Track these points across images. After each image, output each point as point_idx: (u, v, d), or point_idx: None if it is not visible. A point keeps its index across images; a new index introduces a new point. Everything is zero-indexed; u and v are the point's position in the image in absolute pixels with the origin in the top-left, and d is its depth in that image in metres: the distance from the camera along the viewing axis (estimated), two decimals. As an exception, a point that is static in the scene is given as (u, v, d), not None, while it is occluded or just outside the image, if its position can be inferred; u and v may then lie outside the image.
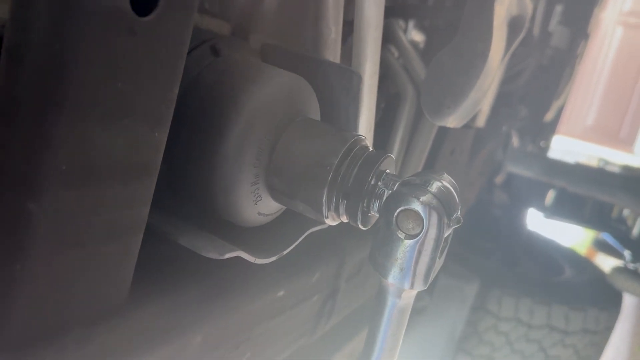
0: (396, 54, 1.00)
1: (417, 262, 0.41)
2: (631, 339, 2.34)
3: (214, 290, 0.45)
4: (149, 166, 0.36)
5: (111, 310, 0.37)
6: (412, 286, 0.41)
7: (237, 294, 0.47)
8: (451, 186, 0.43)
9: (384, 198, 0.43)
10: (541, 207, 2.28)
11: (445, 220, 0.40)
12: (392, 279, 0.41)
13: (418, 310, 1.61)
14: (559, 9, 2.03)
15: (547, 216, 2.30)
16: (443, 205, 0.40)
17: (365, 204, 0.43)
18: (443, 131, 0.97)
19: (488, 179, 1.80)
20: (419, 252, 0.40)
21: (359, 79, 0.53)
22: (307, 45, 0.67)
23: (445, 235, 0.42)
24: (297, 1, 0.74)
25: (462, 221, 0.42)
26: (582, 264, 2.11)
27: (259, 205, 0.47)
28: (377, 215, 0.44)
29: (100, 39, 0.29)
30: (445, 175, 0.44)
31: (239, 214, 0.46)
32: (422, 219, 0.40)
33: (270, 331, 0.54)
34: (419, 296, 1.34)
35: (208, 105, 0.42)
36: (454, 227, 0.42)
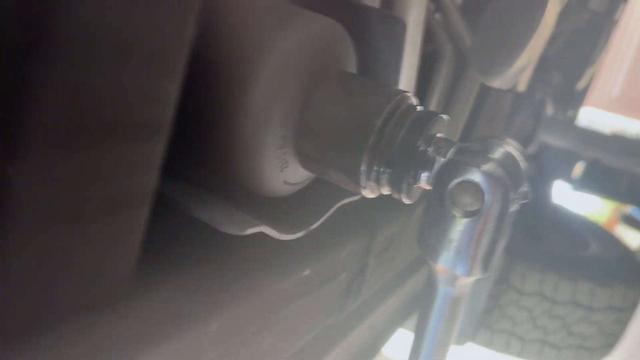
0: (433, 7, 0.91)
1: (476, 245, 0.34)
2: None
3: (233, 271, 0.39)
4: (157, 123, 0.29)
5: (114, 296, 0.31)
6: (469, 273, 0.35)
7: (259, 274, 0.41)
8: (518, 153, 0.36)
9: (435, 167, 0.36)
10: (569, 179, 2.19)
11: (512, 194, 0.34)
12: (445, 264, 0.35)
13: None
14: (600, -32, 1.90)
15: (575, 188, 2.21)
16: (509, 175, 0.33)
17: (412, 174, 0.36)
18: (481, 96, 0.88)
19: (522, 146, 1.71)
20: (479, 233, 0.34)
21: (404, 27, 0.45)
22: None
23: (510, 212, 0.35)
24: None
25: (530, 196, 0.35)
26: (609, 240, 2.03)
27: (285, 173, 0.40)
28: (426, 187, 0.37)
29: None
30: (510, 140, 0.37)
31: (263, 182, 0.39)
32: (483, 193, 0.33)
33: (295, 313, 0.48)
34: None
35: (229, 53, 0.35)
36: (520, 202, 0.35)
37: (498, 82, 0.57)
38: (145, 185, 0.30)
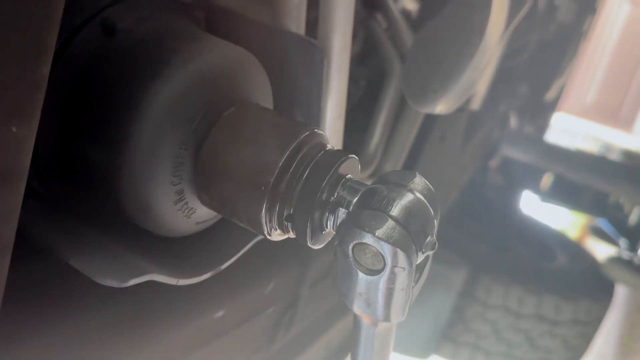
0: (384, 24, 0.89)
1: (386, 298, 0.32)
2: (621, 330, 2.30)
3: (120, 321, 0.36)
4: (11, 171, 0.26)
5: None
6: (385, 319, 0.33)
7: (158, 321, 0.38)
8: (425, 196, 0.33)
9: (340, 216, 0.34)
10: (537, 190, 2.20)
11: (415, 251, 0.31)
12: (361, 311, 0.33)
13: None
14: (568, -21, 1.91)
15: (542, 199, 2.22)
16: (410, 233, 0.31)
17: (316, 219, 0.33)
18: (432, 114, 0.87)
19: (483, 161, 1.71)
20: (387, 289, 0.31)
21: (322, 54, 0.43)
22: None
23: (418, 263, 0.33)
24: None
25: (437, 246, 0.33)
26: (576, 251, 2.04)
27: (186, 211, 0.37)
28: (334, 232, 0.35)
29: None
30: (418, 179, 0.34)
31: (160, 223, 0.36)
32: (383, 256, 0.31)
33: (209, 356, 0.45)
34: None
35: (102, 105, 0.32)
36: (427, 253, 0.33)
37: (434, 109, 0.55)
38: (1, 237, 0.27)
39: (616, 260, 2.04)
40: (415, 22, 0.99)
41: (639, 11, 4.51)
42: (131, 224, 0.37)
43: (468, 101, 0.88)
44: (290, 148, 0.33)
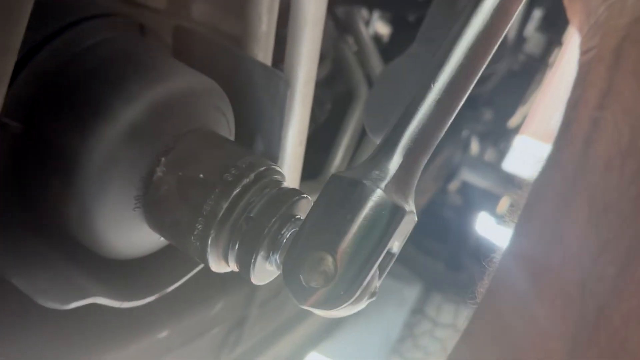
0: (354, 47, 0.90)
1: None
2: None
3: (64, 339, 0.36)
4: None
5: None
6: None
7: (100, 341, 0.38)
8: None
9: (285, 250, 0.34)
10: (493, 213, 2.26)
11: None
12: None
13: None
14: (537, 14, 1.97)
15: (499, 222, 2.28)
16: None
17: (260, 257, 0.34)
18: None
19: (443, 183, 1.75)
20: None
21: (286, 86, 0.43)
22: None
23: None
24: None
25: (376, 294, 0.34)
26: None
27: (133, 236, 0.37)
28: (278, 271, 0.35)
29: None
30: None
31: (106, 245, 0.36)
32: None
33: (150, 375, 0.45)
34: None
35: (57, 126, 0.32)
36: (369, 300, 0.34)
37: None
38: None
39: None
40: (386, 47, 1.01)
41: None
42: (74, 242, 0.37)
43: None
44: (244, 182, 0.33)
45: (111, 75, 0.33)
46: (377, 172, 0.29)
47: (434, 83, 0.30)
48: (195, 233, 0.34)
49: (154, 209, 0.35)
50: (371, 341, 1.81)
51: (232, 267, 0.35)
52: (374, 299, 0.34)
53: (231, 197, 0.33)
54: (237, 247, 0.34)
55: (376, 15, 1.00)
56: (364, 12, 0.96)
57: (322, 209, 0.30)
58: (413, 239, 1.89)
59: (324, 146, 0.80)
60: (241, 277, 0.55)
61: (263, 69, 0.43)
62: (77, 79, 0.33)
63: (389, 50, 0.98)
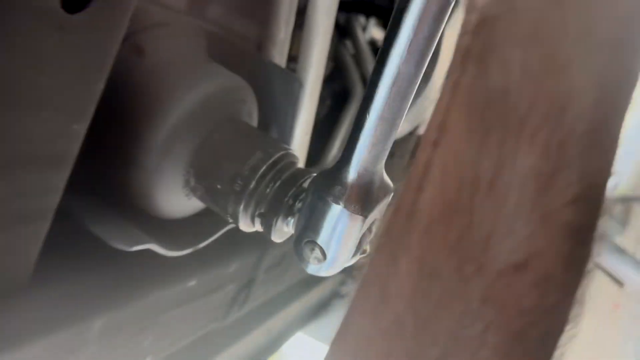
0: (352, 50, 1.00)
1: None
2: None
3: (119, 279, 0.46)
4: (64, 156, 0.36)
5: (11, 293, 0.37)
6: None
7: (143, 282, 0.48)
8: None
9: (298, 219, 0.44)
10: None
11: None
12: None
13: (342, 295, 1.66)
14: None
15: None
16: None
17: (279, 221, 0.44)
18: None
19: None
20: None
21: (300, 86, 0.54)
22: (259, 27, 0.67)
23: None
24: None
25: (367, 251, 0.44)
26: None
27: (179, 200, 0.47)
28: (291, 231, 0.45)
29: (26, 35, 0.28)
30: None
31: (158, 207, 0.46)
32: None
33: (178, 317, 0.55)
34: (343, 281, 1.39)
35: (132, 109, 0.42)
36: (361, 256, 0.44)
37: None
38: (49, 204, 0.37)
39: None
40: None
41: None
42: (134, 204, 0.47)
43: (417, 127, 1.00)
44: (269, 162, 0.44)
45: (165, 76, 0.44)
46: (339, 188, 0.35)
47: (375, 94, 0.30)
48: (231, 201, 0.44)
49: (198, 182, 0.45)
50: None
51: (257, 227, 0.46)
52: (365, 254, 0.45)
53: (258, 174, 0.44)
54: (262, 212, 0.44)
55: (372, 21, 1.10)
56: (361, 19, 1.07)
57: (308, 206, 0.37)
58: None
59: (324, 137, 0.90)
60: (251, 244, 0.65)
61: (281, 71, 0.54)
62: (144, 75, 0.43)
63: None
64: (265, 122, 0.56)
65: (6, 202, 0.33)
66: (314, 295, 1.31)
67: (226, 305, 0.66)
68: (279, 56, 0.58)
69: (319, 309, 1.57)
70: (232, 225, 0.53)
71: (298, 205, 0.44)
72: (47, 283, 0.41)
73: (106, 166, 0.44)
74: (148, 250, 0.46)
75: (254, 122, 0.53)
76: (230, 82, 0.47)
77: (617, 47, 0.27)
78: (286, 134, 0.56)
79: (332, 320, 1.81)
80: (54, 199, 0.37)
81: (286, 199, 0.44)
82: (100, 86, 0.35)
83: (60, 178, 0.36)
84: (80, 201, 0.43)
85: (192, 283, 0.54)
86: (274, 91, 0.54)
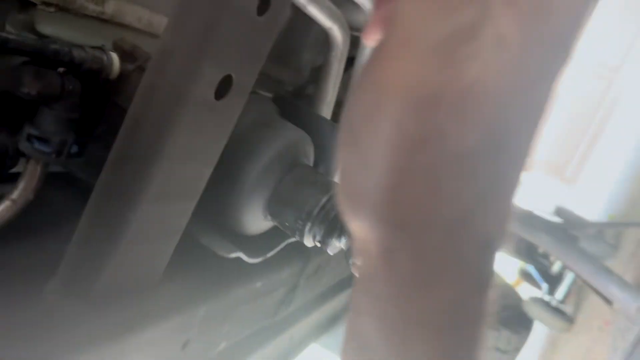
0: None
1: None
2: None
3: (216, 278, 0.62)
4: (197, 191, 0.52)
5: (151, 285, 0.54)
6: None
7: (230, 282, 0.64)
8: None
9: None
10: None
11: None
12: None
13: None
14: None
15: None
16: None
17: (335, 238, 0.61)
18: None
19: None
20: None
21: (344, 135, 0.71)
22: (306, 73, 0.85)
23: None
24: (294, 29, 0.91)
25: None
26: (502, 288, 2.37)
27: (258, 222, 0.64)
28: (342, 247, 0.62)
29: (192, 116, 0.45)
30: None
31: (244, 227, 0.63)
32: None
33: (246, 312, 0.71)
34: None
35: (230, 161, 0.59)
36: None
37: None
38: (180, 225, 0.53)
39: (537, 301, 2.38)
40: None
41: (594, 84, 5.00)
42: (225, 224, 0.63)
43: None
44: (327, 197, 0.60)
45: (252, 135, 0.60)
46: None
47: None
48: (299, 225, 0.60)
49: (276, 209, 0.62)
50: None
51: (317, 243, 0.62)
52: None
53: (320, 205, 0.60)
54: (322, 233, 0.61)
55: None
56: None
57: None
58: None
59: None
60: (296, 255, 0.82)
61: (331, 125, 0.71)
62: (234, 138, 0.60)
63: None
64: (316, 162, 0.73)
65: (159, 223, 0.50)
66: (331, 307, 1.48)
67: (276, 305, 0.82)
68: (327, 110, 0.75)
69: (334, 320, 1.71)
70: (292, 239, 0.70)
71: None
72: (171, 280, 0.57)
73: (214, 198, 0.61)
74: (232, 258, 0.62)
75: (311, 163, 0.70)
76: (297, 136, 0.64)
77: None
78: (331, 171, 0.73)
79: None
80: (186, 220, 0.53)
81: (340, 224, 0.60)
82: (224, 144, 0.52)
83: (192, 205, 0.53)
84: (195, 222, 0.60)
85: (259, 284, 0.71)
86: (323, 138, 0.71)
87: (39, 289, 0.48)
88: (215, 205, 0.61)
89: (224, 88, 0.47)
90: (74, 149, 0.49)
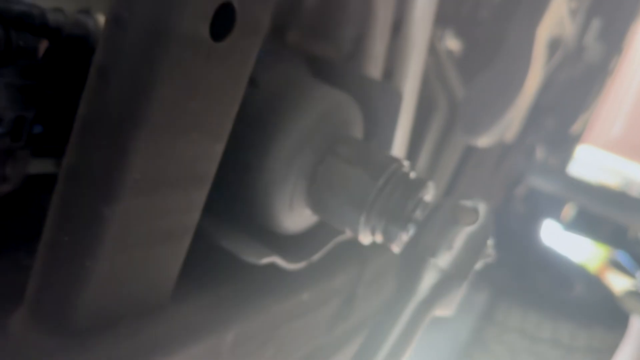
0: (431, 61, 1.01)
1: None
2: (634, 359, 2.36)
3: (246, 292, 0.48)
4: (206, 175, 0.39)
5: (157, 306, 0.40)
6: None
7: (267, 295, 0.50)
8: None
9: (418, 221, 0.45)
10: (559, 220, 2.28)
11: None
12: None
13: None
14: (596, 23, 2.01)
15: (564, 229, 2.30)
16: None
17: (401, 228, 0.45)
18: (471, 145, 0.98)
19: (509, 190, 1.81)
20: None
21: (400, 98, 0.55)
22: (346, 46, 0.69)
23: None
24: (339, 2, 0.76)
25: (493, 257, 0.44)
26: (593, 282, 2.11)
27: (297, 216, 0.49)
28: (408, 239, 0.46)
29: (181, 64, 0.31)
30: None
31: (278, 223, 0.48)
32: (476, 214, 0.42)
33: (293, 331, 0.57)
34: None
35: (253, 135, 0.45)
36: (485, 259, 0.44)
37: (480, 142, 0.66)
38: (191, 221, 0.39)
39: (632, 293, 2.11)
40: (458, 61, 1.12)
41: (667, 50, 4.55)
42: (256, 224, 0.49)
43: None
44: (389, 169, 0.45)
45: (280, 103, 0.46)
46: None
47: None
48: (351, 215, 0.45)
49: (319, 197, 0.47)
50: (441, 345, 1.88)
51: (378, 238, 0.47)
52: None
53: (376, 188, 0.45)
54: (383, 225, 0.46)
55: (448, 32, 1.10)
56: (437, 30, 1.08)
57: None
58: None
59: (409, 151, 0.90)
60: (351, 258, 0.67)
61: (381, 86, 0.55)
62: (261, 103, 0.46)
63: (460, 63, 1.08)
64: (367, 134, 0.57)
65: (153, 220, 0.36)
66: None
67: (331, 320, 0.67)
68: (375, 70, 0.60)
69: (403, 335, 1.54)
70: (341, 237, 0.55)
71: (418, 214, 0.45)
72: (185, 297, 0.43)
73: (233, 187, 0.47)
74: (266, 265, 0.48)
75: (360, 135, 0.54)
76: (338, 100, 0.49)
77: None
78: (387, 143, 0.57)
79: (419, 340, 1.79)
80: (195, 216, 0.39)
81: (405, 210, 0.45)
82: (236, 108, 0.37)
83: (201, 196, 0.39)
84: (211, 220, 0.46)
85: (305, 296, 0.56)
86: (375, 105, 0.56)
87: (4, 321, 0.36)
88: (238, 196, 0.47)
89: (224, 24, 0.33)
90: (37, 129, 0.37)
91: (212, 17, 0.32)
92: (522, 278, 2.11)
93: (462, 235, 0.41)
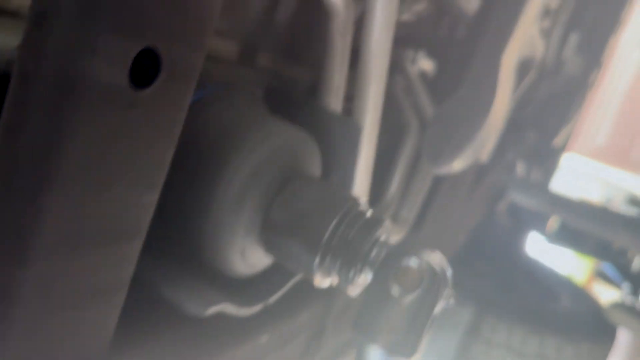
0: (402, 83, 0.99)
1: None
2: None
3: (194, 341, 0.45)
4: (138, 227, 0.36)
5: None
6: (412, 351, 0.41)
7: (217, 344, 0.47)
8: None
9: (376, 265, 0.43)
10: (543, 232, 2.28)
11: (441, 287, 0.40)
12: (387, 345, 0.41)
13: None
14: (574, 37, 2.02)
15: (549, 241, 2.30)
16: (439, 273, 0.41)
17: (358, 268, 0.43)
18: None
19: (490, 206, 1.80)
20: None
21: (359, 131, 0.53)
22: (317, 66, 0.68)
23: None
24: (308, 22, 0.74)
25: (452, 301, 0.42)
26: (579, 295, 2.10)
27: (250, 258, 0.47)
28: (367, 281, 0.44)
29: (97, 115, 0.29)
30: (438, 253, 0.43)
31: (229, 267, 0.46)
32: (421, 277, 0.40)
33: (253, 375, 0.54)
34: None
35: (201, 171, 0.43)
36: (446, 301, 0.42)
37: (450, 169, 0.65)
38: (124, 276, 0.37)
39: (619, 305, 2.10)
40: (431, 82, 1.10)
41: (649, 56, 4.60)
42: (202, 263, 0.47)
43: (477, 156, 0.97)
44: (344, 207, 0.43)
45: (231, 137, 0.44)
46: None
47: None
48: (305, 257, 0.43)
49: (271, 239, 0.45)
50: (426, 362, 1.85)
51: (333, 281, 0.45)
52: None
53: (331, 228, 0.43)
54: (337, 265, 0.43)
55: (421, 53, 1.09)
56: (409, 52, 1.06)
57: None
58: (463, 262, 1.94)
59: (381, 175, 0.89)
60: (319, 291, 0.64)
61: (339, 119, 0.53)
62: (210, 139, 0.44)
63: (433, 84, 1.06)
64: (326, 169, 0.55)
65: (79, 279, 0.33)
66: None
67: (299, 356, 0.64)
68: (335, 101, 0.58)
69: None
70: (298, 277, 0.52)
71: (375, 255, 0.43)
72: (122, 357, 0.41)
73: (177, 227, 0.45)
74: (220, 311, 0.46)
75: (318, 171, 0.52)
76: (292, 136, 0.47)
77: None
78: (347, 179, 0.55)
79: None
80: (129, 269, 0.37)
81: (361, 251, 0.43)
82: (169, 155, 0.35)
83: (134, 249, 0.36)
84: (154, 264, 0.44)
85: (265, 338, 0.53)
86: (333, 138, 0.54)
87: None
88: (185, 239, 0.45)
89: (147, 70, 0.31)
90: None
91: (130, 64, 0.30)
92: (508, 291, 2.09)
93: (402, 310, 0.39)
